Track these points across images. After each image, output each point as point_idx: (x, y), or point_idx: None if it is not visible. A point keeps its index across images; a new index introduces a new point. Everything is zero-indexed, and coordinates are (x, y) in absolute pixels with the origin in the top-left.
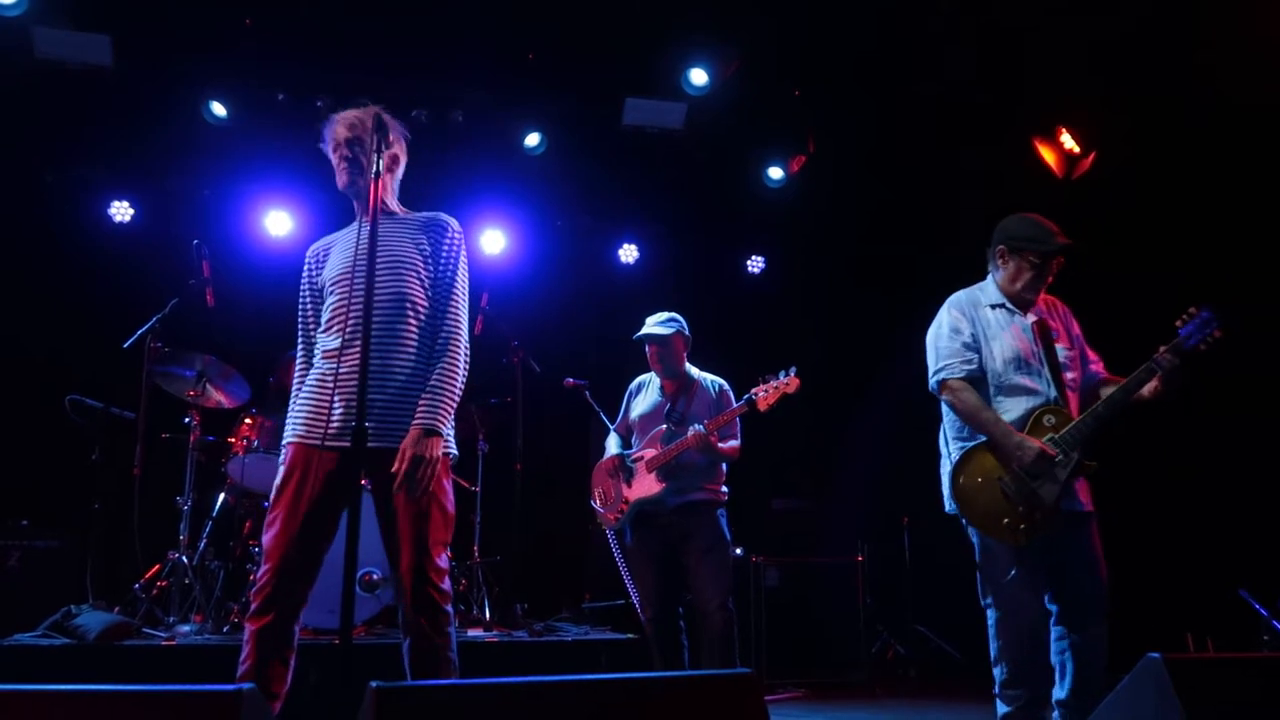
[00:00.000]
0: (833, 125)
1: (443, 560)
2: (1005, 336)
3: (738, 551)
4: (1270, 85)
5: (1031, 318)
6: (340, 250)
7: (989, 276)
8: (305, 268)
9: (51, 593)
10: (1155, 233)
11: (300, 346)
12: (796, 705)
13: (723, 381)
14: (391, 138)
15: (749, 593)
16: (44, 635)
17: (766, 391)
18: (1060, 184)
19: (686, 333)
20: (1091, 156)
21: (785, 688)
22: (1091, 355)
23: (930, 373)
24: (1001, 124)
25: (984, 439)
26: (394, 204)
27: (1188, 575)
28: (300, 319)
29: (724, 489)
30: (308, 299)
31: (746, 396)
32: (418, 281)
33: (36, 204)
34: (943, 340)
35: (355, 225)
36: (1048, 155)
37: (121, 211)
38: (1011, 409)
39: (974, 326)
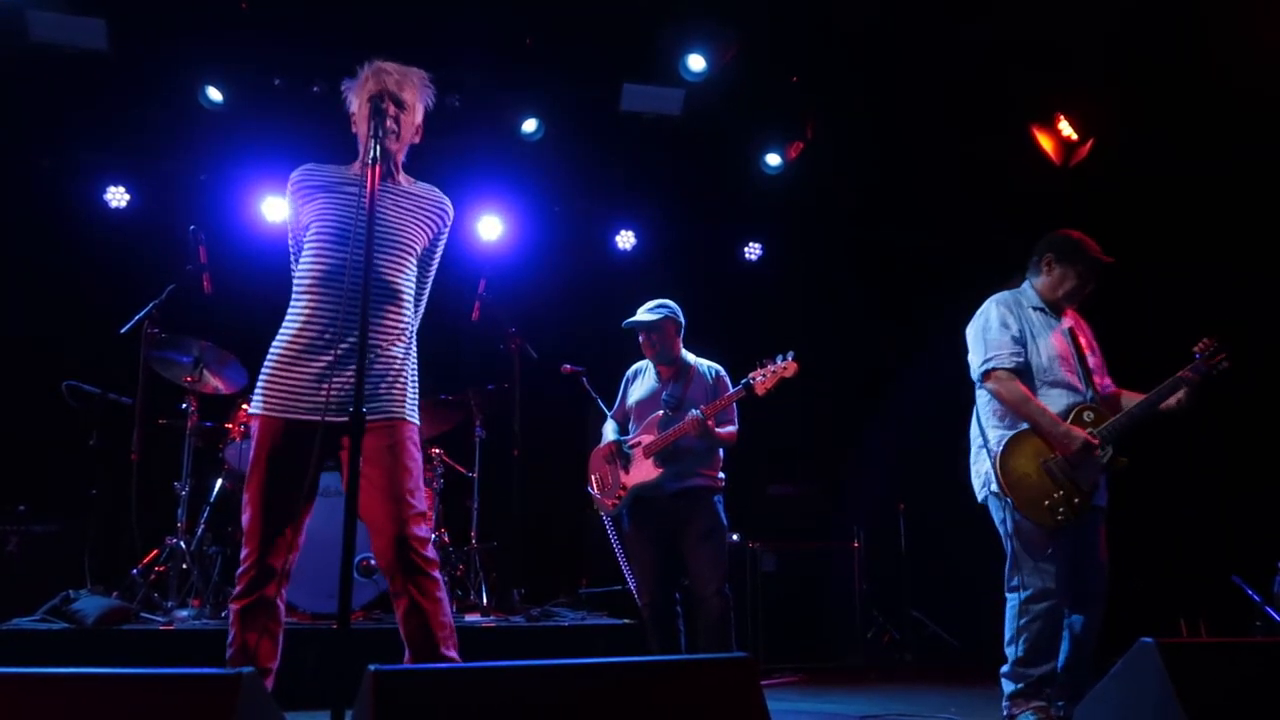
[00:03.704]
0: (830, 112)
1: (423, 530)
2: (1048, 336)
3: (734, 537)
4: (1270, 72)
5: (1068, 322)
6: (337, 206)
7: (1026, 282)
8: (290, 197)
9: (49, 577)
10: (1153, 220)
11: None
12: (793, 689)
13: (719, 367)
14: (421, 106)
15: (746, 578)
16: (42, 620)
17: (764, 376)
18: (1058, 171)
19: (680, 318)
20: (1089, 144)
21: (782, 672)
22: (1106, 371)
23: (977, 363)
24: (1000, 110)
25: (1025, 426)
26: (400, 172)
27: (1181, 561)
28: (292, 255)
29: (721, 475)
30: (290, 235)
31: (744, 381)
32: (411, 263)
33: (32, 189)
34: (992, 332)
35: (356, 180)
36: (1045, 142)
37: (117, 197)
38: (1054, 403)
39: (1020, 323)
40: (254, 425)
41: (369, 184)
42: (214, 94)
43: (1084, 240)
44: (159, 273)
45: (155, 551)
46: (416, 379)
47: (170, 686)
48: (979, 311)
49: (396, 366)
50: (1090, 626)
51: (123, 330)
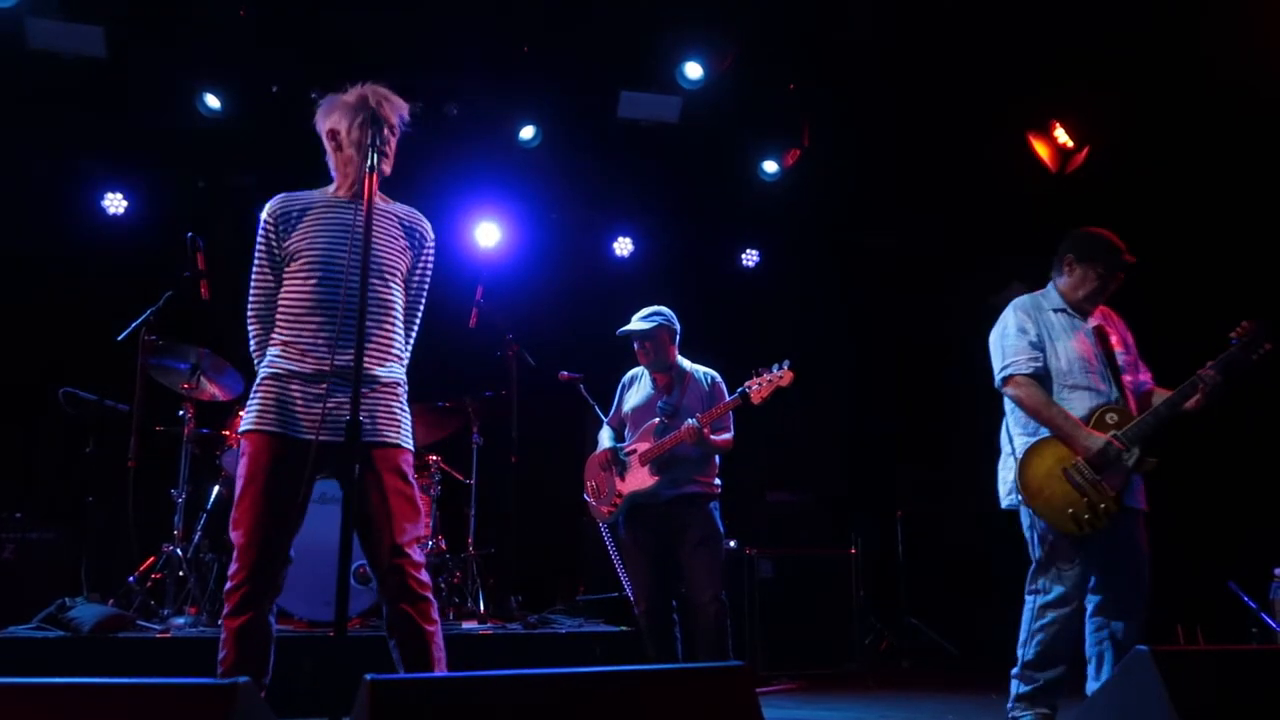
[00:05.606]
0: (827, 118)
1: (418, 554)
2: (1069, 339)
3: (731, 544)
4: (1267, 77)
5: (1092, 323)
6: (325, 231)
7: (1050, 283)
8: (263, 232)
9: (46, 585)
10: (1149, 227)
11: (254, 321)
12: (790, 697)
13: (715, 373)
14: (394, 129)
15: (743, 585)
16: (38, 628)
17: (760, 385)
18: (1053, 178)
19: (674, 325)
20: (1085, 151)
21: (779, 679)
22: (1142, 366)
23: (997, 370)
24: (995, 117)
25: (1048, 433)
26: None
27: (1178, 567)
28: (259, 290)
29: (717, 481)
30: (267, 267)
31: (740, 390)
32: (399, 284)
33: (30, 196)
34: (1009, 339)
35: (340, 202)
36: (1041, 149)
37: (115, 203)
38: (1076, 406)
39: (1039, 328)
40: (244, 443)
41: (366, 190)
42: (212, 101)
43: (1106, 238)
44: (156, 280)
45: (152, 559)
46: (407, 408)
47: (166, 696)
48: (1000, 318)
49: (391, 393)
50: (1133, 634)
51: (120, 337)
